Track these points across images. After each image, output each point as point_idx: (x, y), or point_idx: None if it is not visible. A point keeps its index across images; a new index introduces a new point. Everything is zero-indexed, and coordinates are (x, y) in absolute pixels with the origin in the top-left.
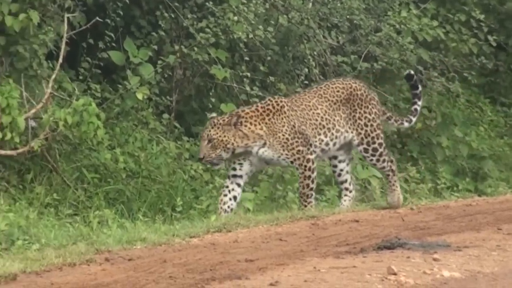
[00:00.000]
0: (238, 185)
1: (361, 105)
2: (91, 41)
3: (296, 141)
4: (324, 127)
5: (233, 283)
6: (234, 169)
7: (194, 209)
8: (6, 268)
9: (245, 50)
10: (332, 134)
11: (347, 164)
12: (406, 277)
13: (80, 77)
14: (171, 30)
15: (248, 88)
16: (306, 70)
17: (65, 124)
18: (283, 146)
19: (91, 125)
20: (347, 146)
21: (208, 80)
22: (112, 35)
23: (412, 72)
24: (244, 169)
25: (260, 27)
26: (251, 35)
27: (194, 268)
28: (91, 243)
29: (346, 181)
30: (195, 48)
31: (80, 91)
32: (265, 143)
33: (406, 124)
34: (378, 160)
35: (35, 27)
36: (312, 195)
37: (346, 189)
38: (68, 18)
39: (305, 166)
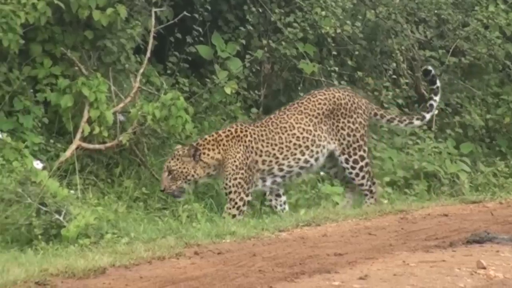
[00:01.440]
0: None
1: (345, 114)
2: (178, 35)
3: (242, 174)
4: (300, 146)
5: (322, 277)
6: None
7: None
8: (95, 261)
9: (333, 44)
10: (312, 151)
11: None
12: (496, 271)
13: (168, 71)
14: (258, 25)
15: (336, 83)
16: (394, 64)
17: (153, 118)
18: (228, 173)
19: (179, 119)
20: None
21: (296, 75)
22: (200, 29)
23: (430, 67)
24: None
25: (348, 21)
26: (339, 30)
27: (283, 262)
28: (180, 237)
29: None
30: (283, 43)
31: (168, 85)
32: (220, 167)
33: (416, 122)
34: (357, 175)
35: (122, 21)
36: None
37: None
38: (155, 12)
39: (235, 203)
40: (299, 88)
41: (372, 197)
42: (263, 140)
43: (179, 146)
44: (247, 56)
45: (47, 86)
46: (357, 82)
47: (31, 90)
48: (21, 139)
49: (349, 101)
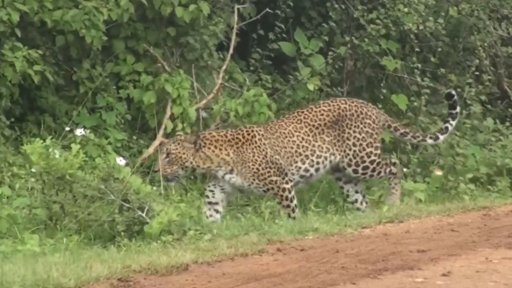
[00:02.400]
0: (216, 211)
1: (351, 125)
2: (261, 32)
3: (268, 171)
4: (300, 154)
5: (405, 274)
6: (208, 196)
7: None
8: (178, 258)
9: (415, 41)
10: (312, 160)
11: (355, 184)
12: None
13: (251, 68)
14: (341, 21)
15: (419, 79)
16: (477, 61)
17: (236, 114)
18: (253, 175)
19: (262, 115)
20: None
21: (378, 71)
22: (283, 26)
23: (453, 92)
24: (217, 196)
25: (431, 18)
26: (421, 27)
27: (366, 258)
28: (263, 234)
29: (356, 201)
30: (366, 39)
31: (251, 82)
32: (232, 170)
33: (429, 141)
34: (372, 175)
35: (205, 18)
36: (295, 217)
37: (358, 209)
38: (238, 9)
39: (281, 195)
40: (381, 84)
41: (395, 177)
42: (270, 139)
43: (181, 133)
44: (330, 53)
45: (130, 83)
46: (439, 79)
47: (114, 87)
48: (104, 135)
49: (356, 111)
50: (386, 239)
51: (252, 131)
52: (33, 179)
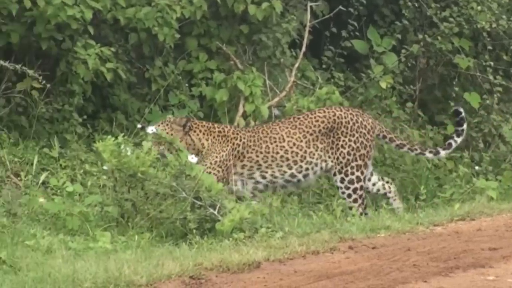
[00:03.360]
0: None
1: (346, 133)
2: (334, 30)
3: (217, 171)
4: (288, 159)
5: (476, 272)
6: None
7: (438, 198)
8: (250, 256)
9: (488, 39)
10: (301, 166)
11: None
12: None
13: (323, 66)
14: (414, 19)
15: (491, 77)
16: None
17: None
18: (207, 165)
19: None
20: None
21: (451, 69)
22: (356, 24)
23: (461, 109)
24: None
25: (504, 16)
26: (494, 25)
27: (438, 256)
28: (335, 231)
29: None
30: (439, 37)
31: (323, 80)
32: (197, 155)
33: (428, 155)
34: (349, 196)
35: (278, 16)
36: None
37: (385, 194)
38: (311, 7)
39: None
40: (454, 82)
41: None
42: (249, 146)
43: (170, 116)
44: (403, 51)
45: (203, 80)
46: None
47: (186, 85)
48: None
49: (352, 119)
50: (458, 237)
51: (236, 132)
52: (105, 177)
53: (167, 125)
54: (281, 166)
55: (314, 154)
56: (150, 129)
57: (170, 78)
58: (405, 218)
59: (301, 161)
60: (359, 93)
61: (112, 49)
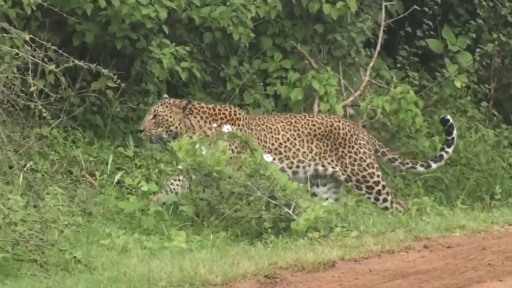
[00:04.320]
0: None
1: (345, 144)
2: (409, 29)
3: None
4: (280, 153)
5: None
6: None
7: None
8: (325, 255)
9: None
10: (292, 162)
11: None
12: None
13: (398, 65)
14: (489, 18)
15: None
16: None
17: (383, 111)
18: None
19: (409, 112)
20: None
21: None
22: (430, 23)
23: (449, 116)
24: None
25: None
26: None
27: None
28: (410, 230)
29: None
30: None
31: (398, 79)
32: (209, 145)
33: (420, 169)
34: (377, 199)
35: (352, 15)
36: None
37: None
38: (386, 6)
39: None
40: None
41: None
42: (251, 129)
43: (166, 95)
44: (477, 50)
45: (277, 80)
46: None
47: (261, 84)
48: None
49: (349, 131)
50: None
51: (239, 113)
52: (180, 176)
53: (166, 106)
54: (274, 158)
55: (307, 155)
56: (226, 128)
57: (245, 77)
58: (480, 217)
59: (293, 158)
60: (433, 92)
61: (187, 48)
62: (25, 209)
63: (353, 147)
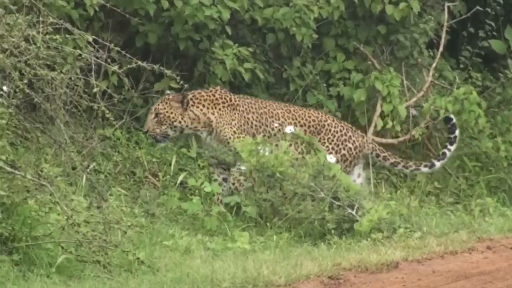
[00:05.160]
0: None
1: (331, 141)
2: (471, 30)
3: (241, 138)
4: (278, 140)
5: None
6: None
7: None
8: (388, 256)
9: None
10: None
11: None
12: None
13: (461, 66)
14: None
15: None
16: None
17: (446, 112)
18: (229, 139)
19: (472, 113)
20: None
21: None
22: (493, 24)
23: (452, 116)
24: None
25: None
26: None
27: None
28: (473, 231)
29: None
30: None
31: (460, 80)
32: (212, 132)
33: (424, 169)
34: None
35: (415, 16)
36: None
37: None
38: (448, 7)
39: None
40: None
41: None
42: (252, 113)
43: (168, 92)
44: None
45: (340, 81)
46: None
47: (324, 85)
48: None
49: (341, 131)
50: None
51: (240, 99)
52: (243, 177)
53: (166, 103)
54: (271, 144)
55: (298, 146)
56: (288, 129)
57: (308, 78)
58: None
59: (290, 146)
60: (496, 93)
61: (250, 49)
62: (88, 210)
63: (338, 146)
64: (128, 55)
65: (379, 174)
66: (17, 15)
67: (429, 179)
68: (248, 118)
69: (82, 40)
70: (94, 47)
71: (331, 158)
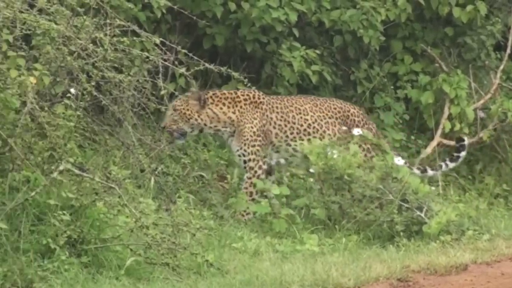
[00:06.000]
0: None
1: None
2: None
3: (260, 141)
4: (309, 134)
5: None
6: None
7: None
8: (457, 258)
9: None
10: None
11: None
12: None
13: None
14: None
15: None
16: None
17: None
18: (245, 140)
19: None
20: None
21: None
22: None
23: (465, 138)
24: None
25: None
26: None
27: None
28: None
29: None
30: None
31: None
32: (234, 132)
33: (415, 171)
34: None
35: (482, 18)
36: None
37: None
38: None
39: (255, 172)
40: None
41: None
42: (277, 112)
43: (192, 89)
44: None
45: (408, 83)
46: None
47: (392, 87)
48: (382, 135)
49: (362, 119)
50: None
51: (262, 96)
52: (311, 179)
53: (183, 100)
54: (303, 139)
55: (332, 138)
56: (356, 131)
57: (375, 81)
58: None
59: (320, 140)
60: None
61: (317, 51)
62: (157, 212)
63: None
64: (195, 57)
65: (447, 177)
66: (84, 17)
67: (497, 181)
68: (271, 118)
69: (149, 42)
70: (161, 50)
71: (399, 160)
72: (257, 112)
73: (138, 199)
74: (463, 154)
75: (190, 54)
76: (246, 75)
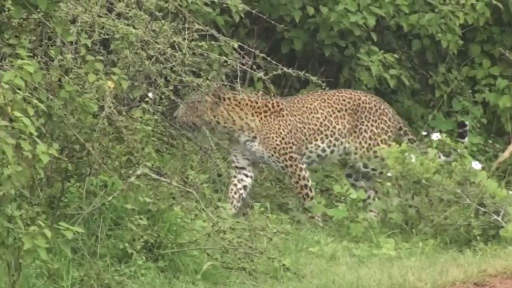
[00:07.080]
0: (246, 175)
1: (369, 118)
2: None
3: (290, 147)
4: (321, 132)
5: None
6: (233, 161)
7: None
8: None
9: None
10: (330, 141)
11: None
12: None
13: None
14: None
15: None
16: None
17: None
18: (275, 148)
19: None
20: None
21: None
22: None
23: (467, 122)
24: (241, 162)
25: None
26: None
27: None
28: None
29: (369, 197)
30: None
31: None
32: (255, 137)
33: (441, 158)
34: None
35: None
36: (312, 204)
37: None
38: None
39: (299, 175)
40: None
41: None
42: (294, 115)
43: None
44: None
45: (486, 87)
46: None
47: (470, 91)
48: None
49: (375, 106)
50: None
51: (281, 103)
52: (389, 183)
53: (199, 95)
54: (317, 139)
55: (342, 132)
56: (435, 136)
57: (453, 84)
58: None
59: (331, 136)
60: None
61: (395, 55)
62: (234, 217)
63: (375, 121)
64: (273, 62)
65: None
66: (162, 21)
67: None
68: (292, 121)
69: (227, 46)
70: (239, 54)
71: (477, 165)
72: (280, 121)
73: (215, 203)
74: (467, 139)
75: (268, 58)
76: (324, 79)
